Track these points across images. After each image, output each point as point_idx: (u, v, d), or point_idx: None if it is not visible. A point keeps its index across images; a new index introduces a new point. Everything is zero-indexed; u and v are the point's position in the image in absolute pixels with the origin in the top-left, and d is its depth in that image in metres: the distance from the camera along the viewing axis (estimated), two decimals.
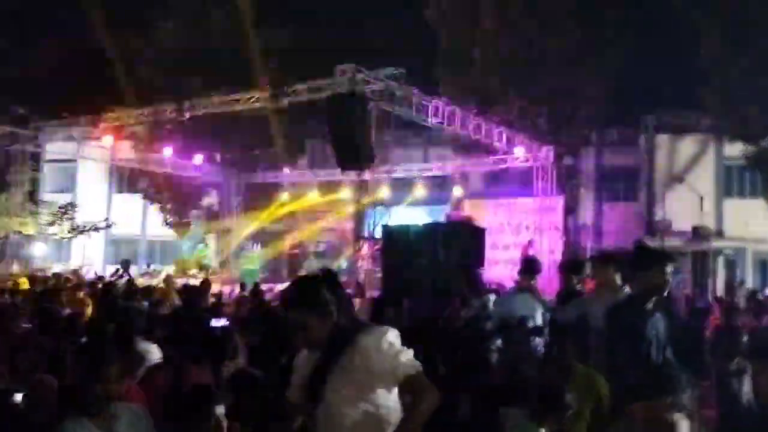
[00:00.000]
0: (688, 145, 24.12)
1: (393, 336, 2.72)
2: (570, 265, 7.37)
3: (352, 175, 20.88)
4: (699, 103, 20.72)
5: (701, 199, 20.85)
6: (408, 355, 2.70)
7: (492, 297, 8.10)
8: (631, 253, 5.01)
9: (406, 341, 2.77)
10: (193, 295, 9.62)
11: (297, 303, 2.80)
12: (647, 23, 22.03)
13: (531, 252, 18.31)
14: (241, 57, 23.72)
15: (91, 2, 21.79)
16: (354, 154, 12.29)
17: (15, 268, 19.01)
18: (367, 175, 22.30)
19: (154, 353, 5.17)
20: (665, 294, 4.56)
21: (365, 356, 2.65)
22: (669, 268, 4.42)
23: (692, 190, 21.98)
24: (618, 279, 5.59)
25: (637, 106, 24.11)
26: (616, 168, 25.84)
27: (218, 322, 6.78)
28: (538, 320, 6.74)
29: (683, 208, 22.73)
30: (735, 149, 21.16)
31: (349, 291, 13.07)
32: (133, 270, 24.52)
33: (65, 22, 26.85)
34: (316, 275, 2.91)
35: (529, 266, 7.04)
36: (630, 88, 22.35)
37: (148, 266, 26.81)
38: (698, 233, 22.01)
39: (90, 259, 26.83)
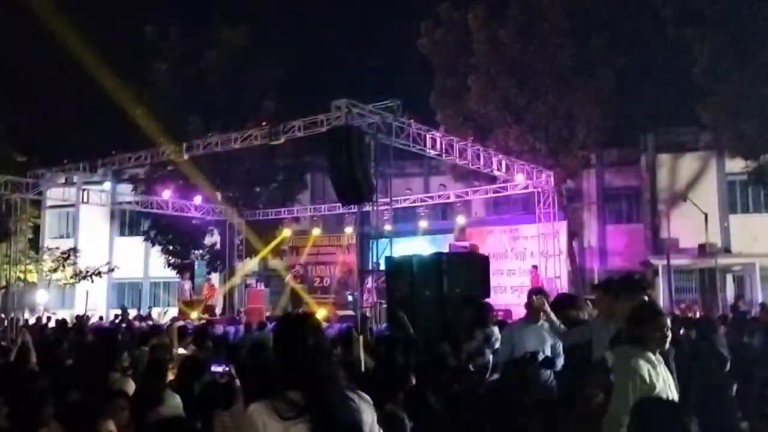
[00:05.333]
0: (689, 163, 23.96)
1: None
2: (561, 304, 6.79)
3: (353, 207, 20.79)
4: (697, 121, 20.53)
5: (705, 216, 20.58)
6: None
7: (496, 329, 7.91)
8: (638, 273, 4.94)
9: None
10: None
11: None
12: (638, 41, 22.00)
13: (537, 277, 18.21)
14: (237, 96, 23.84)
15: (85, 48, 21.90)
16: (354, 189, 12.17)
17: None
18: (368, 207, 22.22)
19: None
20: None
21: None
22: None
23: (696, 208, 21.71)
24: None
25: (637, 126, 24.02)
26: (618, 189, 25.72)
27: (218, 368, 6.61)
28: (548, 352, 6.58)
29: (688, 226, 22.49)
30: (737, 165, 20.98)
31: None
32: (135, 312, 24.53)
33: (60, 70, 27.08)
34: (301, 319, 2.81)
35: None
36: (627, 108, 22.26)
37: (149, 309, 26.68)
38: (704, 250, 21.74)
39: (94, 303, 26.69)
